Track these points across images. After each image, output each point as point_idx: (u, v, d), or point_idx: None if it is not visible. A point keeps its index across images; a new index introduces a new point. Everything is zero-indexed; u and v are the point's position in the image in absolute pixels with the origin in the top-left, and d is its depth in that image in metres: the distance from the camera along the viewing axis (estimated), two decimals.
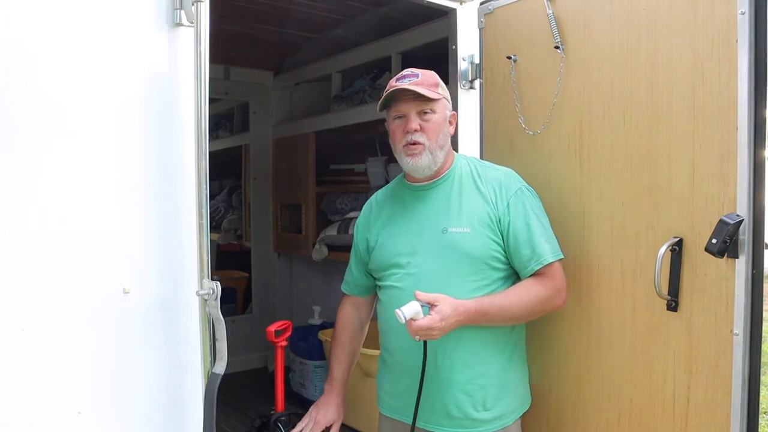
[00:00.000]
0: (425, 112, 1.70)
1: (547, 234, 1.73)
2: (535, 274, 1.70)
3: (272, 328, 1.94)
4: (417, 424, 1.68)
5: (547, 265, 1.69)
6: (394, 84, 1.72)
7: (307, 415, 1.86)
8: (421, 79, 1.71)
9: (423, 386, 1.64)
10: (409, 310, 1.51)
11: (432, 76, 1.75)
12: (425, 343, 1.59)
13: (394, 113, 1.74)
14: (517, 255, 1.70)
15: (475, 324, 1.64)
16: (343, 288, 1.98)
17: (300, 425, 1.83)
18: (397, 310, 1.51)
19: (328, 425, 1.83)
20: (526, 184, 1.79)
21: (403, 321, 1.51)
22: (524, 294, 1.69)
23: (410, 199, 1.81)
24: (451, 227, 1.71)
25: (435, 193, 1.77)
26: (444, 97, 1.76)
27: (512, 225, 1.70)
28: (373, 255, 1.83)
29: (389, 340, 1.80)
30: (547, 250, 1.70)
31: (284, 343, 1.97)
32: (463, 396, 1.69)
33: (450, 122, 1.79)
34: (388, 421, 1.84)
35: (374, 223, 1.87)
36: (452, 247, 1.69)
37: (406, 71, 1.74)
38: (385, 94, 1.72)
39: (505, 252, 1.72)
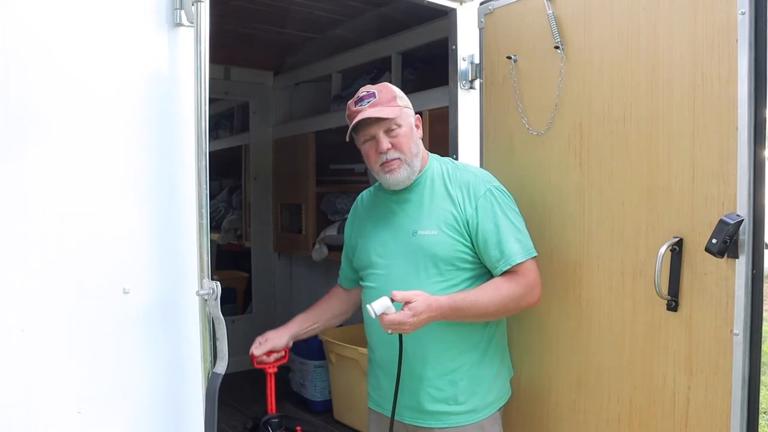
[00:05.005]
0: (391, 129, 1.74)
1: (518, 233, 1.75)
2: (507, 272, 1.73)
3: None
4: (395, 418, 1.73)
5: (519, 263, 1.71)
6: (354, 108, 1.75)
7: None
8: (379, 98, 1.73)
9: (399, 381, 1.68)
10: (379, 305, 1.57)
11: (388, 90, 1.77)
12: (400, 338, 1.63)
13: (363, 137, 1.77)
14: (487, 256, 1.74)
15: (447, 320, 1.68)
16: (339, 281, 2.09)
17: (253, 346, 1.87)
18: (368, 306, 1.58)
19: (275, 350, 1.87)
20: (497, 185, 1.81)
21: (374, 316, 1.57)
22: (496, 291, 1.71)
23: (388, 203, 1.87)
24: (420, 230, 1.76)
25: (409, 196, 1.82)
26: (405, 107, 1.78)
27: (480, 226, 1.73)
28: (356, 255, 1.93)
29: (369, 336, 1.87)
30: (517, 250, 1.72)
31: (274, 370, 1.92)
32: (435, 391, 1.75)
33: (417, 126, 1.82)
34: (372, 413, 1.92)
35: (358, 225, 1.96)
36: (420, 248, 1.75)
37: (362, 91, 1.77)
38: (352, 124, 1.73)
39: (474, 253, 1.75)
